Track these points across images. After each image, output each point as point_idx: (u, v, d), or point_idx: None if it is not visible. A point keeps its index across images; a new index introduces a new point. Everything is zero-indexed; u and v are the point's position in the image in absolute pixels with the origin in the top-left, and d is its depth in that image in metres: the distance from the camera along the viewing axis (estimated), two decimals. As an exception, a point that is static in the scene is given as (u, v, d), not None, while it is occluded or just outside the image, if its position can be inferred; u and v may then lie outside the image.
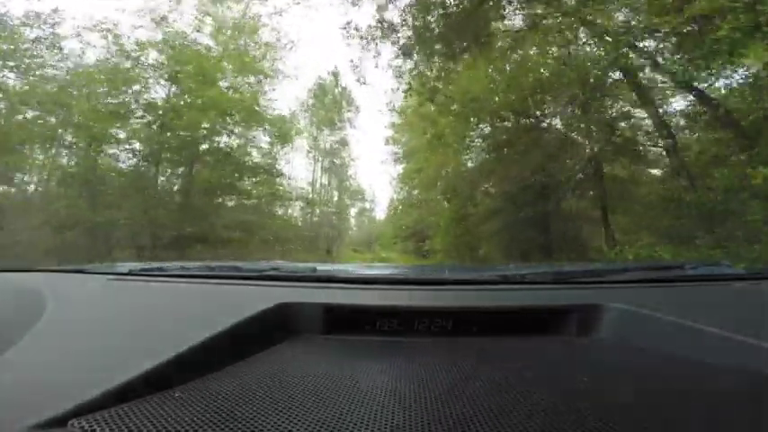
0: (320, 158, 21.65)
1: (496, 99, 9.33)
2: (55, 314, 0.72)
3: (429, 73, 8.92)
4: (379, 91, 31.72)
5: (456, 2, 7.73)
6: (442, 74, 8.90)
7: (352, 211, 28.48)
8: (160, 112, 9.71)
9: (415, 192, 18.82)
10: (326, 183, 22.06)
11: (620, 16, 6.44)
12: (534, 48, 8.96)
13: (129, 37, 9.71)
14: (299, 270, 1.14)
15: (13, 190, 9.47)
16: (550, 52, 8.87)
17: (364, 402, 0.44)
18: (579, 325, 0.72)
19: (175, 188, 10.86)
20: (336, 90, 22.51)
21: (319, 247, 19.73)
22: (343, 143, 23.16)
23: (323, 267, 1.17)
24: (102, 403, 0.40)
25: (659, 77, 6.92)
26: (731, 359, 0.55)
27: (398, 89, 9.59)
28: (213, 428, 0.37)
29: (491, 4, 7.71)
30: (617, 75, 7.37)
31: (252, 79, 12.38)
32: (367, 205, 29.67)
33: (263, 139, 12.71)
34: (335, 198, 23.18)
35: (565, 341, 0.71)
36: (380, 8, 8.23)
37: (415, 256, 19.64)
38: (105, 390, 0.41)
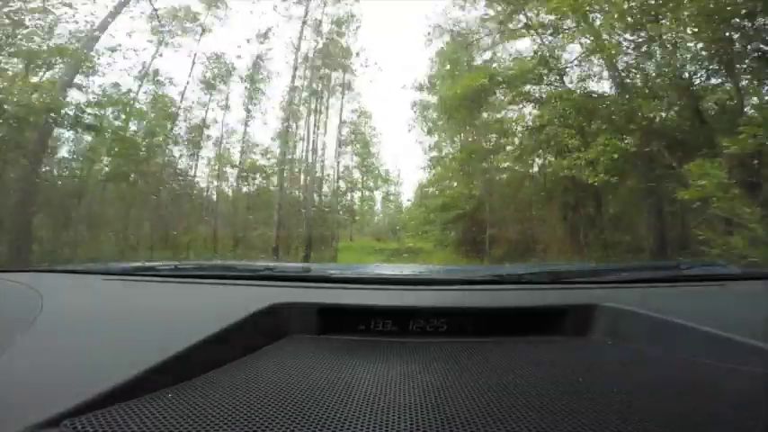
0: (310, 112, 13.12)
1: None
2: (50, 314, 0.72)
3: None
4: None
5: None
6: None
7: (378, 196, 23.52)
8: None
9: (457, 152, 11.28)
10: (337, 157, 15.03)
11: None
12: None
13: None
14: (293, 270, 1.14)
15: None
16: None
17: (357, 403, 0.45)
18: (575, 325, 0.72)
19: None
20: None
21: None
22: (364, 114, 16.57)
23: (317, 267, 1.19)
24: (96, 404, 0.41)
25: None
26: (726, 359, 0.54)
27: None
28: (206, 429, 0.38)
29: None
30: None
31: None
32: (392, 188, 24.11)
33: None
34: (360, 180, 18.15)
35: (561, 341, 0.70)
36: None
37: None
38: (100, 390, 0.42)
